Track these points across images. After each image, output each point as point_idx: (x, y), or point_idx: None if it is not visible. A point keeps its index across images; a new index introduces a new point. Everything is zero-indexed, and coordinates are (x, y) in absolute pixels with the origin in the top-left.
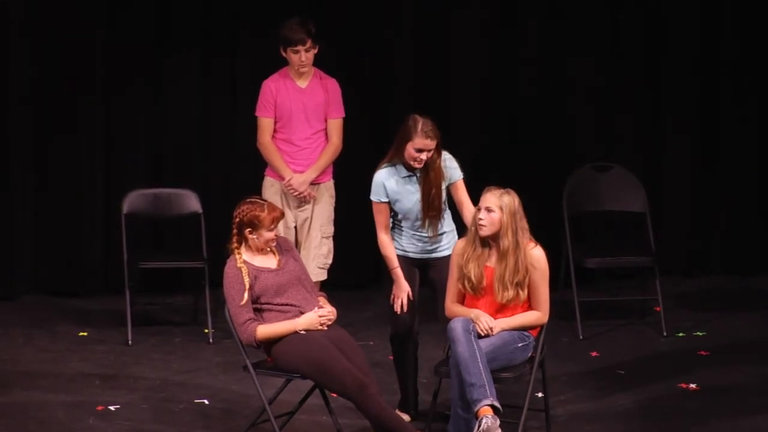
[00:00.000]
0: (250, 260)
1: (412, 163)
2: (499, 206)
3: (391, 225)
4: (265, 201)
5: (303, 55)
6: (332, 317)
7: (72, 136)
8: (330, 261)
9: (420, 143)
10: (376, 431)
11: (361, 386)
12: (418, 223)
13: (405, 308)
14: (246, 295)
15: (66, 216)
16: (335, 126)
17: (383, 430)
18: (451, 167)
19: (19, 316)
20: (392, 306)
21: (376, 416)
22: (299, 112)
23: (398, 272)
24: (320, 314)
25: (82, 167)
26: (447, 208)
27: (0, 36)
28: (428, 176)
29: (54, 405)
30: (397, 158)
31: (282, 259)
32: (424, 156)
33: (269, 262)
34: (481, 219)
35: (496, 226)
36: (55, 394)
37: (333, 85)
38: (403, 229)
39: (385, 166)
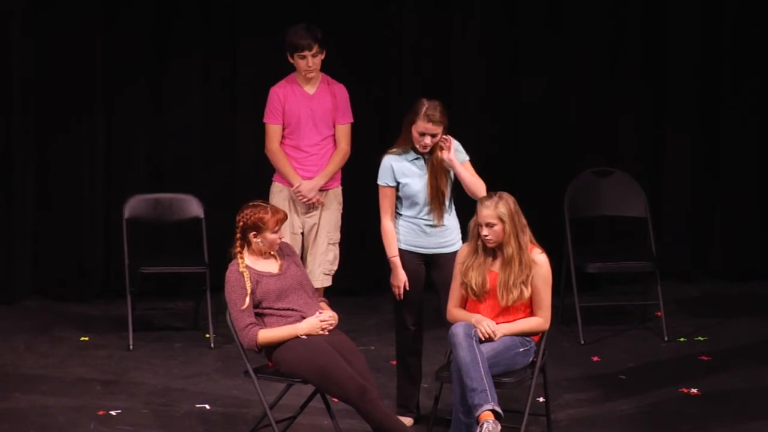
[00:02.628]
0: (252, 265)
1: (418, 147)
2: (498, 217)
3: (396, 222)
4: (268, 204)
5: (310, 61)
6: (334, 322)
7: (73, 140)
8: (335, 267)
9: (422, 127)
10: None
11: (363, 391)
12: (426, 208)
13: (402, 296)
14: (247, 300)
15: (67, 220)
16: (343, 131)
17: None
18: (456, 150)
19: (19, 321)
20: (395, 298)
21: (377, 421)
22: (307, 118)
23: (396, 261)
24: (322, 319)
25: (83, 171)
26: (452, 204)
27: (1, 43)
28: (434, 166)
29: (55, 410)
30: (406, 143)
31: (283, 264)
32: (428, 140)
33: (271, 266)
34: (486, 235)
35: (500, 236)
36: (56, 399)
37: (341, 91)
38: (408, 220)
39: (393, 151)
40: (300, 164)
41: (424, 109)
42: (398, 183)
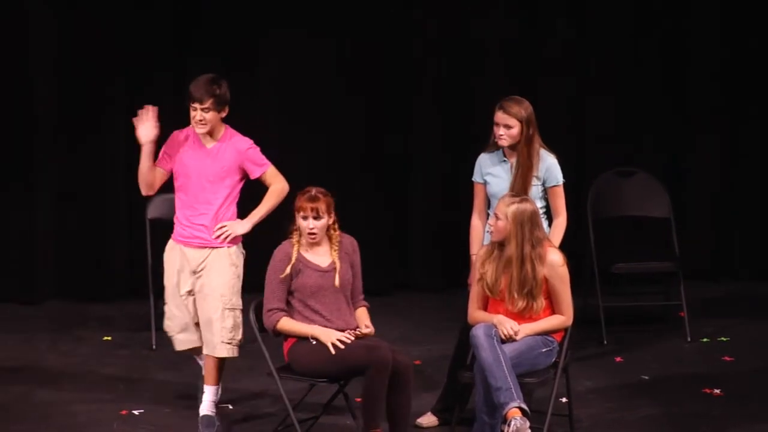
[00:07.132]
0: (304, 252)
1: (496, 140)
2: (505, 214)
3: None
4: (314, 189)
5: (199, 114)
6: (351, 339)
7: (95, 140)
8: (239, 337)
9: (496, 117)
10: (388, 404)
11: (371, 349)
12: None
13: None
14: (281, 276)
15: (90, 221)
16: (269, 176)
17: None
18: (548, 168)
19: (43, 321)
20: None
21: (368, 397)
22: (199, 174)
23: (475, 260)
24: (338, 337)
25: (105, 172)
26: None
27: (23, 43)
28: (519, 172)
29: (78, 409)
30: (496, 144)
31: (335, 262)
32: (501, 131)
33: (321, 260)
34: (490, 225)
35: (503, 233)
36: (79, 399)
37: (245, 146)
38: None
39: (487, 150)
40: (188, 221)
41: (501, 102)
42: (485, 180)
